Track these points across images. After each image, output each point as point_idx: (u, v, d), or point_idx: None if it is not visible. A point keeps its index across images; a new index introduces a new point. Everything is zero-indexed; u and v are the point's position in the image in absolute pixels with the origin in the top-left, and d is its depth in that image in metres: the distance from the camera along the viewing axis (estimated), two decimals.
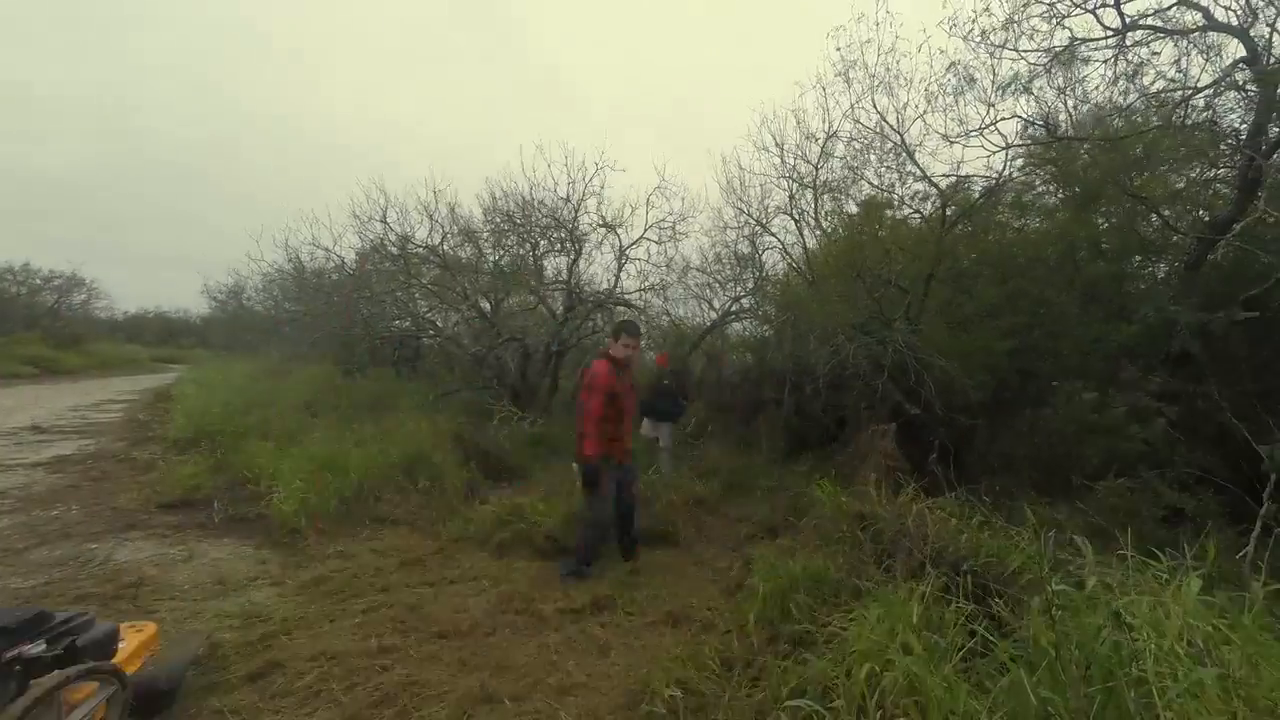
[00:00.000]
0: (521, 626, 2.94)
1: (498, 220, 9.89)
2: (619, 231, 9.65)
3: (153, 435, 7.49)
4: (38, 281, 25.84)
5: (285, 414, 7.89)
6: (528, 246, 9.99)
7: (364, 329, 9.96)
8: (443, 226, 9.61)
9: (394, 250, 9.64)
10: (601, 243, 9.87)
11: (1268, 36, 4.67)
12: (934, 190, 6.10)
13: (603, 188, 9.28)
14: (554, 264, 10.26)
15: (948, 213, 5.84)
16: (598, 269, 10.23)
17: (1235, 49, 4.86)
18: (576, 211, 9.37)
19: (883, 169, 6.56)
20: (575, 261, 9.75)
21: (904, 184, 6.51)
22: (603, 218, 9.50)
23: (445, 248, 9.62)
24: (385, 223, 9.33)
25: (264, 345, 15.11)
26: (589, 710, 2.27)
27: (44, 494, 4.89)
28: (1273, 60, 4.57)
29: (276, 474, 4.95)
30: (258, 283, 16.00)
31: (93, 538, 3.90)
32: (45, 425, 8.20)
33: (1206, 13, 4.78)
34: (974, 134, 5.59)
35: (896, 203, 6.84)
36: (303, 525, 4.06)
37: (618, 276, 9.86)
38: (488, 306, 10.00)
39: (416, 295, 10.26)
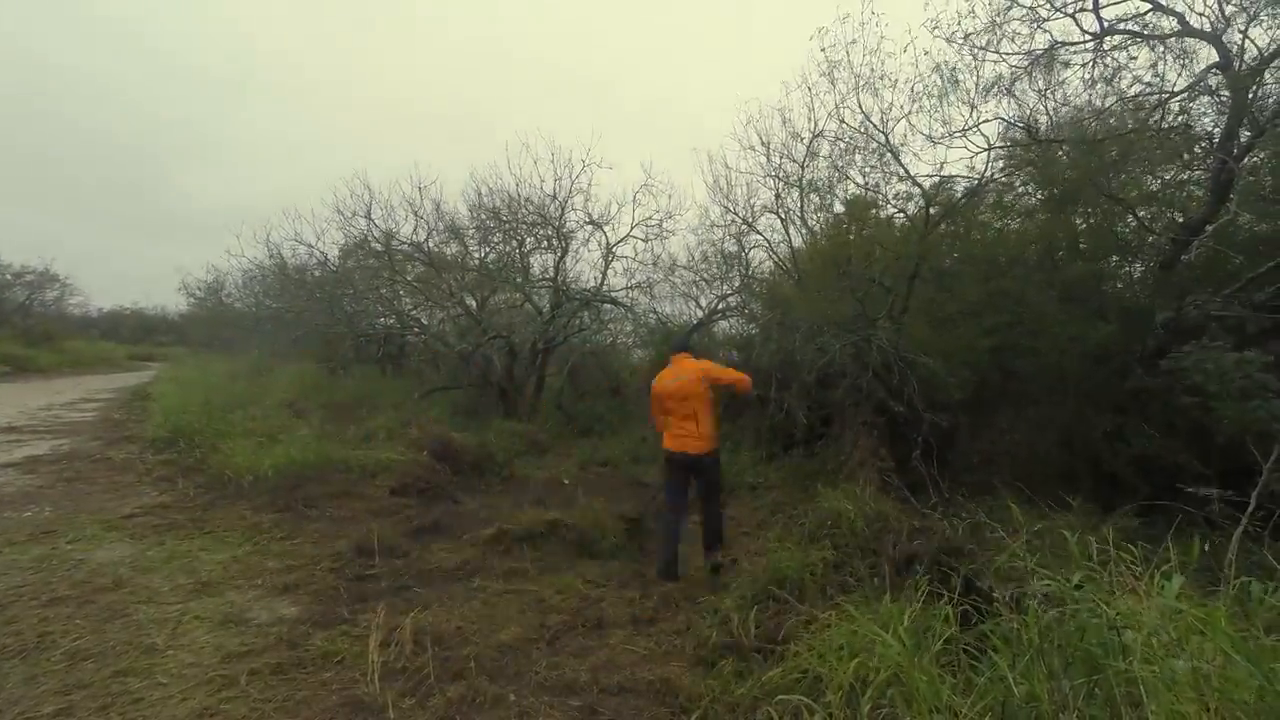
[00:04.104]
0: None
1: (484, 217, 9.84)
2: (606, 229, 9.65)
3: (129, 435, 7.34)
4: (8, 277, 25.13)
5: (268, 413, 7.79)
6: (514, 243, 9.96)
7: (348, 326, 9.85)
8: (428, 223, 9.55)
9: (378, 247, 9.54)
10: (588, 240, 9.88)
11: (1240, 42, 4.80)
12: (918, 190, 6.17)
13: (590, 185, 9.28)
14: (540, 261, 10.26)
15: (931, 212, 5.91)
16: (584, 266, 10.24)
17: (1209, 54, 4.98)
18: (563, 208, 9.36)
19: (867, 169, 6.62)
20: (562, 259, 9.74)
21: (888, 184, 6.58)
22: (589, 215, 9.50)
23: (430, 244, 9.55)
24: (369, 219, 9.24)
25: (245, 343, 14.87)
26: (570, 708, 2.27)
27: (16, 495, 4.76)
28: (1245, 66, 4.68)
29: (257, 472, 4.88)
30: (238, 279, 15.76)
31: (67, 539, 3.82)
32: (17, 424, 8.00)
33: (1181, 18, 4.89)
34: (957, 135, 5.67)
35: (881, 202, 6.91)
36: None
37: (604, 274, 9.87)
38: (474, 304, 9.95)
39: (401, 292, 10.17)
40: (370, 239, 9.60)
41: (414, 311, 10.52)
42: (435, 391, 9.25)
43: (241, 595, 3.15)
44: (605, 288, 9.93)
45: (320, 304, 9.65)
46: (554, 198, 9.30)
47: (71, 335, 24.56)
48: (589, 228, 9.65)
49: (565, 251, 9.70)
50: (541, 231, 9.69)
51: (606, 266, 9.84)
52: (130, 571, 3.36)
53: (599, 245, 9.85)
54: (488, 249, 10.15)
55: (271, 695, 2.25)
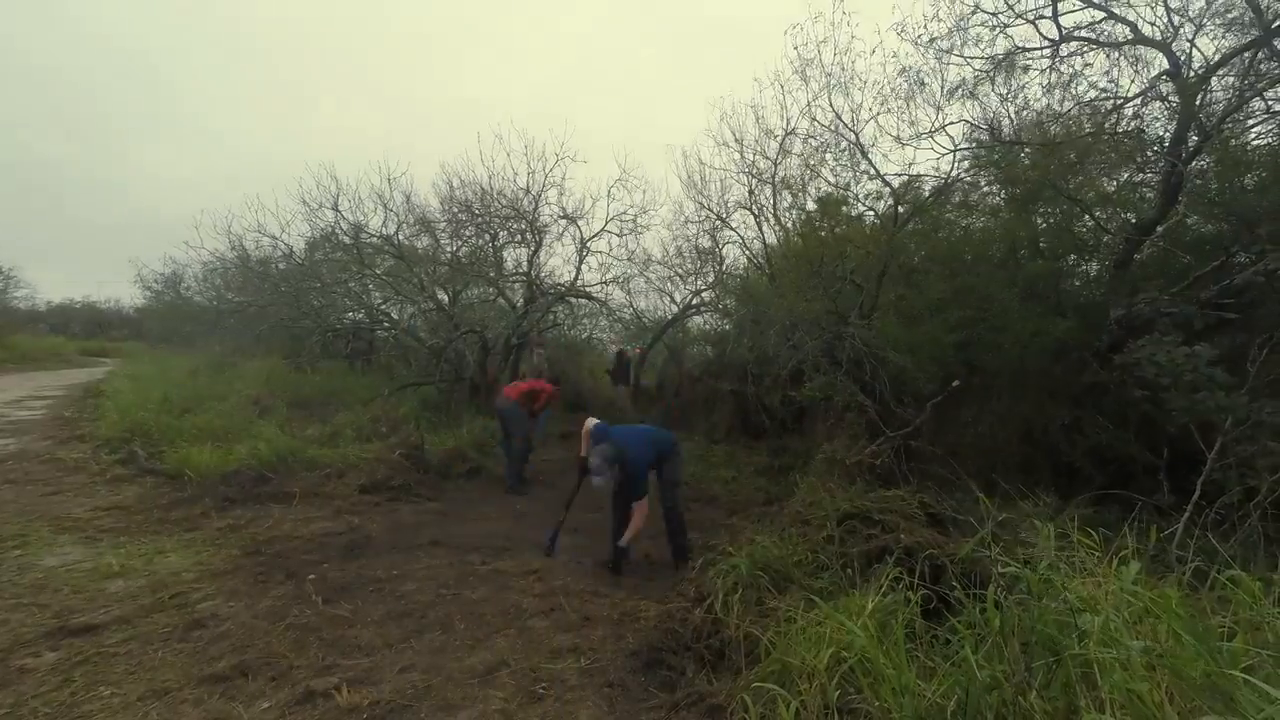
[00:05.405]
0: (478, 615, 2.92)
1: (455, 210, 9.67)
2: (580, 223, 9.60)
3: (82, 434, 7.01)
4: None
5: (230, 410, 7.54)
6: (486, 237, 9.82)
7: (314, 320, 9.58)
8: (398, 215, 9.34)
9: (346, 239, 9.30)
10: (562, 234, 9.82)
11: (1188, 50, 5.01)
12: (887, 189, 6.30)
13: (564, 179, 9.22)
14: (514, 255, 10.15)
15: (899, 211, 6.04)
16: (558, 261, 10.21)
17: (1160, 62, 5.20)
18: (537, 202, 9.27)
19: (838, 167, 6.74)
20: (536, 253, 9.66)
21: (858, 182, 6.71)
22: (563, 209, 9.43)
23: (400, 237, 9.35)
24: (337, 210, 8.99)
25: (205, 338, 14.35)
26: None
27: None
28: (1192, 73, 4.90)
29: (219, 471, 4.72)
30: (197, 272, 15.21)
31: (14, 544, 3.64)
32: None
33: (1134, 26, 5.09)
34: (924, 136, 5.80)
35: (852, 200, 7.03)
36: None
37: (579, 269, 9.82)
38: (445, 298, 9.79)
39: (370, 286, 9.94)
40: (338, 231, 9.34)
41: (384, 306, 10.30)
42: (406, 387, 9.09)
43: (207, 603, 3.05)
44: (579, 282, 9.89)
45: (285, 298, 9.36)
46: (527, 191, 9.20)
47: (17, 329, 23.31)
48: (563, 222, 9.60)
49: (539, 246, 9.63)
50: (515, 225, 9.58)
51: (581, 261, 9.81)
52: (83, 577, 3.22)
53: (573, 240, 9.81)
54: (460, 242, 9.99)
55: None
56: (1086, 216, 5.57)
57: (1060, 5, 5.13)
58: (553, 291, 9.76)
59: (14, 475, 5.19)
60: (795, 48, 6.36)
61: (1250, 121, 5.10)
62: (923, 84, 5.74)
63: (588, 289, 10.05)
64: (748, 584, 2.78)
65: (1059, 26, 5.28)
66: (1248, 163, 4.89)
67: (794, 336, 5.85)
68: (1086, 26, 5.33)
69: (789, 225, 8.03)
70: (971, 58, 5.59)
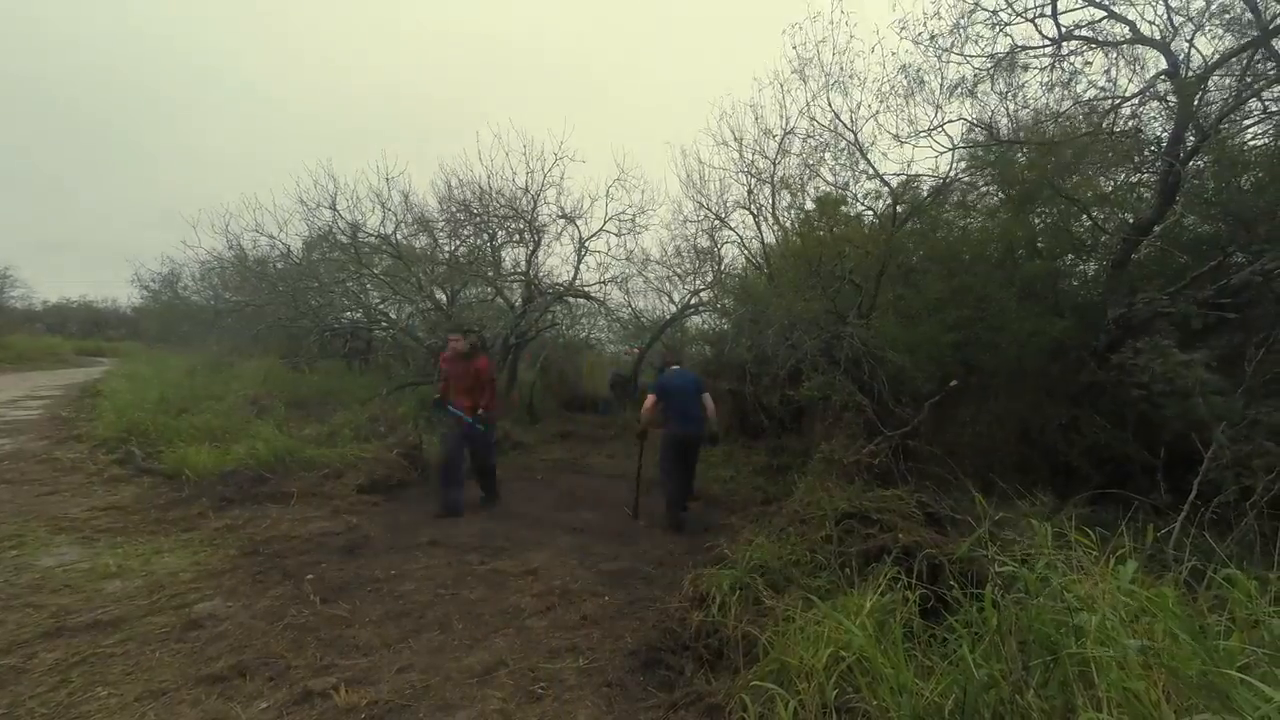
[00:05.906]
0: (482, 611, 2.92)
1: (453, 209, 9.65)
2: (579, 223, 9.59)
3: (79, 433, 6.99)
4: None
5: (228, 410, 7.53)
6: (485, 237, 9.81)
7: (312, 320, 9.56)
8: (396, 215, 9.31)
9: (344, 239, 9.27)
10: (561, 234, 9.80)
11: (1186, 50, 5.02)
12: (885, 189, 6.30)
13: (562, 178, 9.21)
14: (512, 255, 10.13)
15: (898, 211, 6.04)
16: (557, 260, 10.20)
17: (1158, 61, 5.20)
18: (535, 202, 9.25)
19: (837, 166, 6.72)
20: (534, 253, 9.64)
21: (857, 182, 6.70)
22: (562, 209, 9.42)
23: (398, 237, 9.33)
24: (334, 209, 8.96)
25: (202, 337, 14.31)
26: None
27: None
28: (1190, 73, 4.90)
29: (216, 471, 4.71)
30: (195, 271, 15.14)
31: (11, 545, 3.63)
32: None
33: (1133, 26, 5.09)
34: (923, 134, 5.79)
35: (850, 200, 7.03)
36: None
37: (577, 268, 9.81)
38: (444, 298, 9.77)
39: (368, 285, 9.92)
40: (335, 230, 9.31)
41: (381, 305, 10.27)
42: (404, 387, 9.07)
43: (205, 604, 3.05)
44: (578, 282, 9.88)
45: (283, 297, 9.34)
46: (526, 191, 9.19)
47: (13, 329, 23.24)
48: (561, 221, 9.58)
49: (537, 245, 9.61)
50: (513, 225, 9.56)
51: (579, 261, 9.80)
52: (80, 577, 3.22)
53: (571, 239, 9.80)
54: (458, 242, 9.97)
55: None
56: (1084, 216, 5.57)
57: (1060, 4, 5.14)
58: (551, 291, 9.75)
59: (10, 475, 5.18)
60: (794, 46, 6.35)
61: (1247, 122, 5.11)
62: (922, 82, 5.74)
63: (586, 289, 10.04)
64: (746, 584, 2.78)
65: (1058, 25, 5.28)
66: (1245, 163, 4.89)
67: (792, 336, 5.84)
68: (1086, 25, 5.33)
69: (788, 225, 8.02)
70: (971, 56, 5.59)
